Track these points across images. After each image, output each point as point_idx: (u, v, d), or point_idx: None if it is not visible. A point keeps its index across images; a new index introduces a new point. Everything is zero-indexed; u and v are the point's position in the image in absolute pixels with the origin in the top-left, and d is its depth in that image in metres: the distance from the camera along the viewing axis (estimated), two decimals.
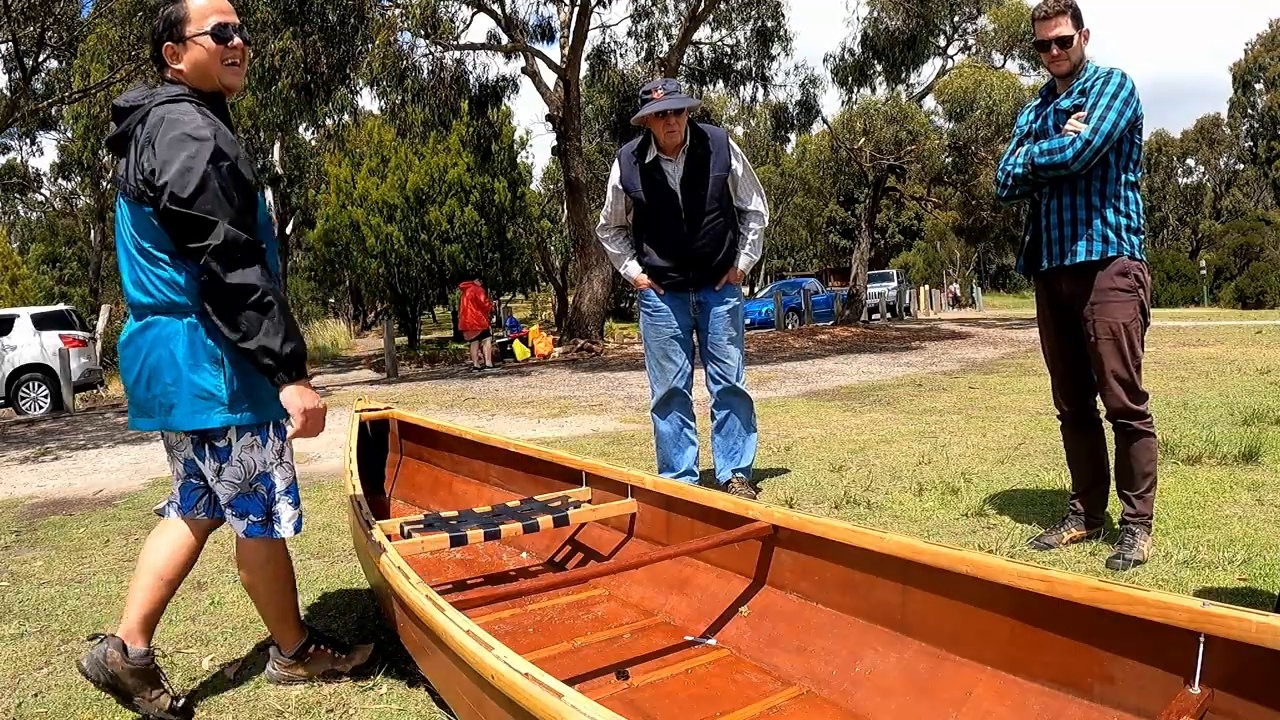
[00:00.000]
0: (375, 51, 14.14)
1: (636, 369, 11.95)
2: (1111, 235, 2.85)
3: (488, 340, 14.80)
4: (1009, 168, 2.99)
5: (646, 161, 3.86)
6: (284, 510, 2.13)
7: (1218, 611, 1.40)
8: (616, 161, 4.02)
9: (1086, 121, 2.78)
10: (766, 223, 4.07)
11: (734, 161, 3.87)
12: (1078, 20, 2.89)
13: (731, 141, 3.92)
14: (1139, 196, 2.93)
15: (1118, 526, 2.98)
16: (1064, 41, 2.87)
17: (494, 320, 15.31)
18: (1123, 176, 2.87)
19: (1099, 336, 2.86)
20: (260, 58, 13.83)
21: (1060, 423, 3.20)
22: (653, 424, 4.08)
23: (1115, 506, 3.06)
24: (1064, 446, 3.22)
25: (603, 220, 4.15)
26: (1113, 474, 3.03)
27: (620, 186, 3.96)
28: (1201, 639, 1.42)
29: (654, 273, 3.97)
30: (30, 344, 12.63)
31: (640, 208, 3.93)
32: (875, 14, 18.98)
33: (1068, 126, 2.83)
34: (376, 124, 23.84)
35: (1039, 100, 3.08)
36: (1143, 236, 2.94)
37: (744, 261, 3.99)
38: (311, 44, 13.78)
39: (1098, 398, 3.03)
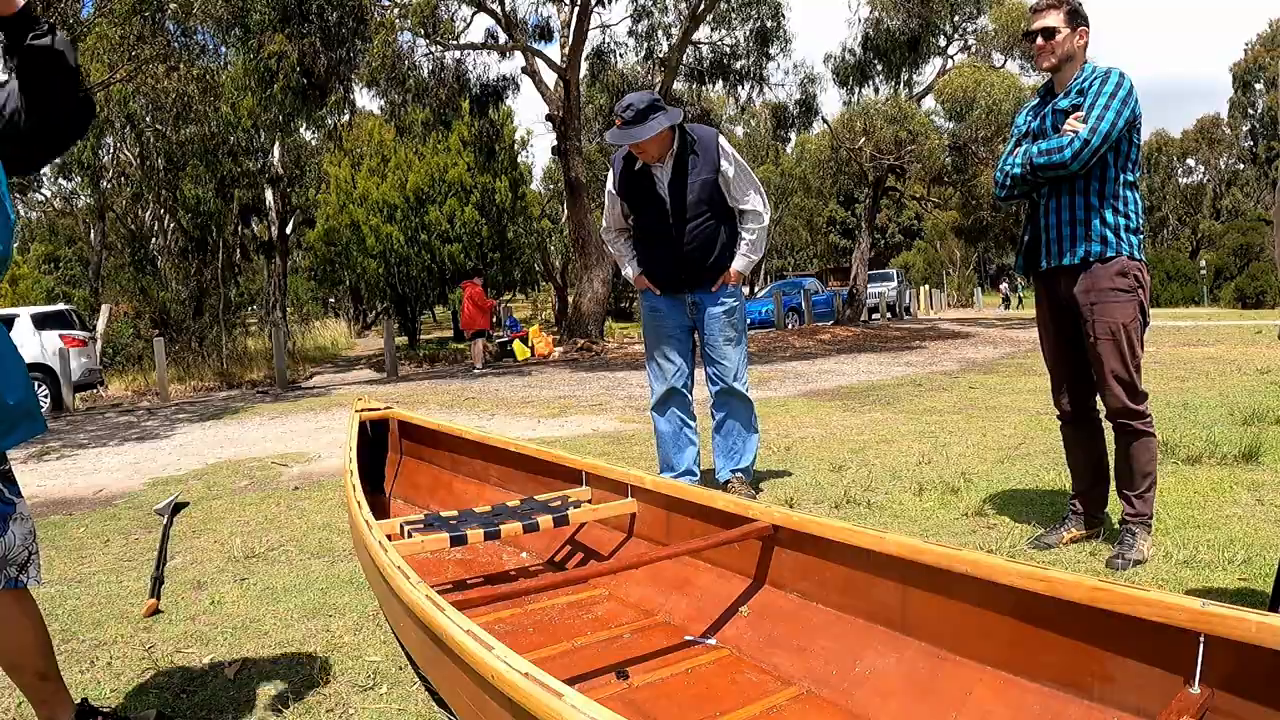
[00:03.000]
0: (374, 51, 14.13)
1: (636, 369, 11.95)
2: (1110, 235, 2.85)
3: (480, 340, 14.76)
4: (1007, 168, 3.00)
5: (637, 167, 3.87)
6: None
7: (1218, 611, 1.40)
8: (612, 167, 4.04)
9: (1085, 121, 2.78)
10: (767, 221, 4.04)
11: (723, 163, 3.81)
12: (1073, 19, 2.89)
13: (723, 142, 3.87)
14: (1138, 197, 2.93)
15: (1117, 526, 2.98)
16: (1049, 33, 2.88)
17: (495, 320, 15.30)
18: (1121, 176, 2.87)
19: (1098, 336, 2.86)
20: (256, 59, 13.82)
21: (1060, 423, 3.20)
22: (653, 422, 4.08)
23: (1115, 507, 3.07)
24: (1064, 446, 3.22)
25: (605, 223, 4.18)
26: (1113, 474, 3.03)
27: (614, 192, 3.99)
28: (1201, 639, 1.42)
29: (649, 274, 3.99)
30: (30, 344, 12.61)
31: (634, 212, 3.97)
32: (877, 14, 18.99)
33: (1066, 126, 2.83)
34: (376, 124, 23.83)
35: (1036, 100, 3.09)
36: (1141, 236, 2.94)
37: (742, 263, 3.95)
38: (309, 45, 13.78)
39: (1097, 398, 3.03)
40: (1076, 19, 2.90)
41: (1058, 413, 3.19)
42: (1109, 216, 2.85)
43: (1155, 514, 3.04)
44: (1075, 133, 2.78)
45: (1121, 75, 2.83)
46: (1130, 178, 2.90)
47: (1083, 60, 2.95)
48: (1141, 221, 2.94)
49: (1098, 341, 2.87)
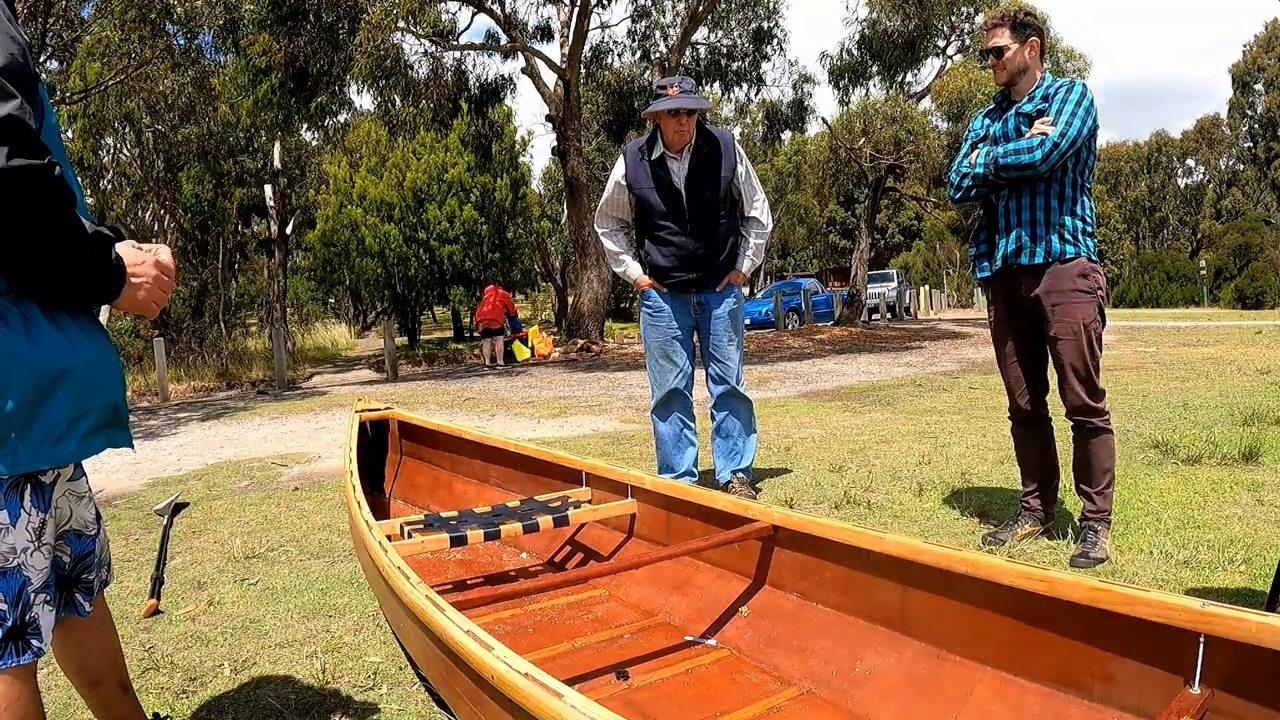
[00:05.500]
0: (362, 48, 14.06)
1: (636, 369, 11.95)
2: (1070, 237, 2.92)
3: (497, 340, 14.99)
4: (965, 169, 3.07)
5: (653, 158, 3.86)
6: (42, 616, 1.41)
7: (1218, 611, 1.40)
8: (622, 157, 4.01)
9: (1054, 124, 2.85)
10: (769, 230, 4.08)
11: (740, 165, 3.88)
12: (1021, 32, 2.99)
13: (738, 144, 3.93)
14: (1092, 203, 3.02)
15: (1078, 524, 3.03)
16: (999, 52, 3.00)
17: (508, 324, 15.59)
18: (1080, 181, 2.96)
19: (1061, 335, 2.93)
20: (247, 59, 13.83)
21: (1012, 423, 3.27)
22: (653, 425, 4.08)
23: (1071, 505, 3.09)
24: (1015, 446, 3.29)
25: (599, 215, 4.11)
26: (1072, 472, 3.08)
27: (623, 182, 3.94)
28: (1201, 639, 1.42)
29: (656, 272, 3.95)
30: None
31: (644, 206, 3.91)
32: (875, 15, 19.00)
33: (1035, 128, 2.90)
34: (373, 123, 23.80)
35: (993, 106, 3.17)
36: (1096, 240, 3.02)
37: (746, 265, 3.99)
38: (300, 46, 13.76)
39: (1048, 397, 3.12)
40: (1024, 31, 3.00)
41: (1010, 414, 3.25)
42: (1068, 219, 2.93)
43: (1155, 514, 3.05)
44: (1045, 135, 2.84)
45: (1084, 86, 2.92)
46: (1087, 184, 2.98)
47: (1039, 68, 3.04)
48: (1094, 227, 3.02)
49: (1060, 340, 2.93)
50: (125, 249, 1.43)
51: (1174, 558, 2.83)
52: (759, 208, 3.98)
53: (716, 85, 20.16)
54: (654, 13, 18.86)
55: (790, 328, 20.93)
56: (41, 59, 13.71)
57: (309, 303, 31.76)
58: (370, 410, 3.81)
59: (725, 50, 19.56)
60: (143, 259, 1.45)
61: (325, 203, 24.86)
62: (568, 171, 17.39)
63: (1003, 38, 2.99)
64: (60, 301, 1.39)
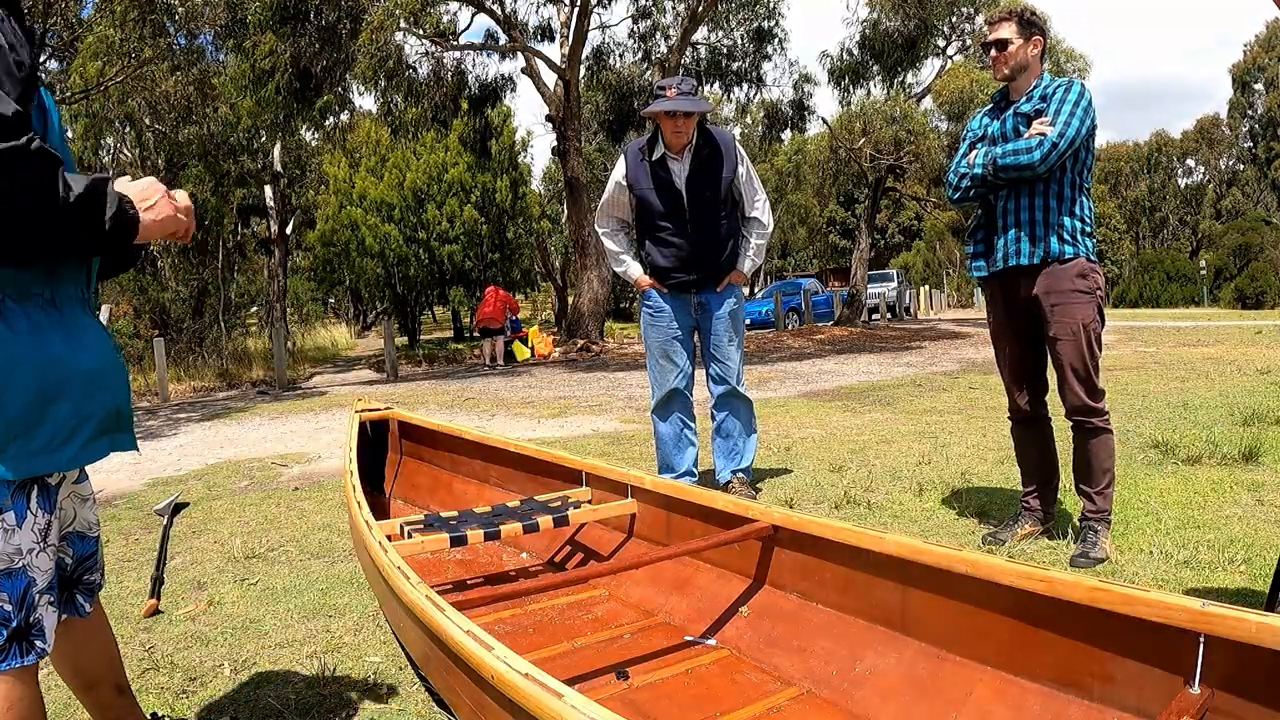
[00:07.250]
0: (364, 49, 14.05)
1: (636, 369, 11.95)
2: (1069, 237, 2.92)
3: (497, 340, 14.99)
4: (964, 169, 3.06)
5: (654, 159, 3.85)
6: (46, 617, 1.42)
7: (1218, 611, 1.40)
8: (622, 157, 4.01)
9: (1052, 125, 2.84)
10: (770, 227, 4.08)
11: (740, 166, 3.88)
12: (1026, 29, 2.99)
13: (739, 144, 3.93)
14: (1091, 203, 3.02)
15: (1078, 524, 3.03)
16: (1001, 44, 2.99)
17: (509, 324, 15.58)
18: (1078, 181, 2.95)
19: (1060, 336, 2.92)
20: (251, 60, 13.83)
21: (1012, 423, 3.27)
22: (653, 425, 4.08)
23: (1071, 505, 3.08)
24: (1014, 446, 3.29)
25: (599, 215, 4.11)
26: (1072, 472, 3.08)
27: (624, 182, 3.94)
28: (1201, 639, 1.42)
29: (657, 273, 3.95)
30: None
31: (645, 206, 3.91)
32: (875, 15, 19.00)
33: (1034, 129, 2.90)
34: (374, 124, 23.80)
35: (991, 106, 3.17)
36: (1095, 241, 3.02)
37: (747, 265, 3.99)
38: (304, 46, 13.78)
39: (1048, 397, 3.13)
40: (1030, 29, 2.99)
41: (1010, 414, 3.25)
42: (1067, 220, 2.92)
43: (1155, 514, 3.05)
44: (1043, 135, 2.84)
45: (1082, 85, 2.92)
46: (1085, 184, 2.98)
47: (1039, 68, 3.04)
48: (1093, 227, 3.02)
49: (1059, 341, 2.93)
50: (122, 184, 1.40)
51: (1174, 558, 2.83)
52: (760, 208, 3.98)
53: (716, 85, 20.17)
54: (654, 13, 18.87)
55: (790, 328, 20.93)
56: (41, 59, 13.72)
57: (309, 303, 31.73)
58: (370, 410, 3.81)
59: (725, 50, 19.57)
60: (140, 185, 1.42)
61: (325, 203, 24.86)
62: (568, 171, 17.39)
63: (1008, 30, 2.98)
64: (94, 253, 1.47)
